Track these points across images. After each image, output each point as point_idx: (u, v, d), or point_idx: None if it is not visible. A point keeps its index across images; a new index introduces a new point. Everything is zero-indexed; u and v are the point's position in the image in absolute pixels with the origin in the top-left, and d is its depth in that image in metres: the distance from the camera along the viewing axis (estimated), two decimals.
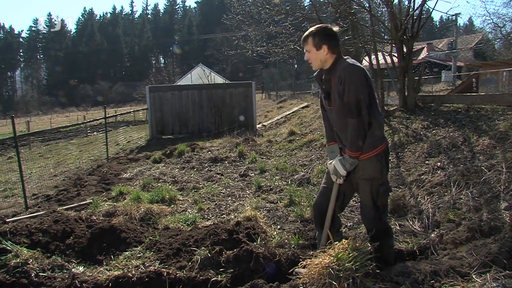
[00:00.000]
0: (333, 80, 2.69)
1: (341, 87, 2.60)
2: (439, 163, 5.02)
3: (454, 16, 25.60)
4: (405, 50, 7.97)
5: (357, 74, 2.59)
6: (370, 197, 2.72)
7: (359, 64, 2.66)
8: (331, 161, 2.81)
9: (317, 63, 2.76)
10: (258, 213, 4.48)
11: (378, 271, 2.52)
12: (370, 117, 2.64)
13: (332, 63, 2.71)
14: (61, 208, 5.23)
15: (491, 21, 22.61)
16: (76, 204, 5.49)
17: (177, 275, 2.90)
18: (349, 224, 4.16)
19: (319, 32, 2.70)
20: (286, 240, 3.69)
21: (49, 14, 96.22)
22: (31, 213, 5.20)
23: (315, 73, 2.93)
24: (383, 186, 2.73)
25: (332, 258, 2.42)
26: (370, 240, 2.67)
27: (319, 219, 2.93)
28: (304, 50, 2.80)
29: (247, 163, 7.72)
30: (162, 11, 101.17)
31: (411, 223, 3.94)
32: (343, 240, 2.61)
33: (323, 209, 2.86)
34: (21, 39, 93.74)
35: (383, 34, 11.12)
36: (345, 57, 2.73)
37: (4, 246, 3.22)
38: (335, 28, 2.78)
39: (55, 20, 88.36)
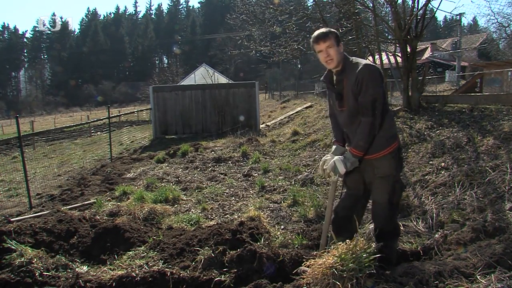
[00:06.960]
0: (346, 81, 2.68)
1: (357, 87, 2.60)
2: (443, 163, 4.99)
3: (458, 16, 25.55)
4: (408, 50, 7.94)
5: (376, 74, 2.61)
6: (386, 195, 2.72)
7: (374, 64, 2.69)
8: (329, 156, 2.81)
9: (339, 59, 2.68)
10: (262, 213, 4.48)
11: (382, 271, 2.51)
12: (384, 115, 2.65)
13: (343, 63, 2.70)
14: (65, 207, 5.26)
15: (496, 20, 22.57)
16: (80, 204, 5.51)
17: (181, 275, 2.90)
18: None
19: (334, 31, 2.72)
20: (289, 240, 3.69)
21: (53, 14, 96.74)
22: (35, 213, 5.23)
23: (323, 76, 2.90)
24: (398, 183, 2.75)
25: (336, 258, 2.41)
26: (376, 240, 2.66)
27: (342, 226, 2.91)
28: (318, 50, 2.69)
29: (251, 163, 7.72)
30: (165, 11, 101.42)
31: (415, 223, 3.93)
32: (347, 240, 2.61)
33: (347, 213, 2.86)
34: (25, 39, 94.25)
35: (386, 34, 11.11)
36: (351, 58, 2.73)
37: (9, 245, 3.24)
38: None
39: (59, 21, 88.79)
